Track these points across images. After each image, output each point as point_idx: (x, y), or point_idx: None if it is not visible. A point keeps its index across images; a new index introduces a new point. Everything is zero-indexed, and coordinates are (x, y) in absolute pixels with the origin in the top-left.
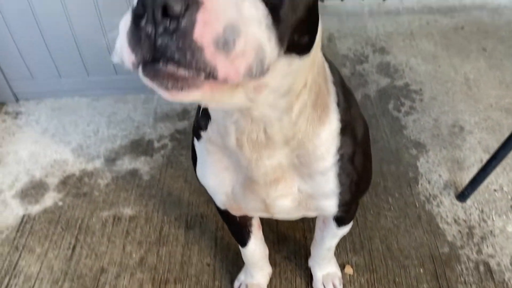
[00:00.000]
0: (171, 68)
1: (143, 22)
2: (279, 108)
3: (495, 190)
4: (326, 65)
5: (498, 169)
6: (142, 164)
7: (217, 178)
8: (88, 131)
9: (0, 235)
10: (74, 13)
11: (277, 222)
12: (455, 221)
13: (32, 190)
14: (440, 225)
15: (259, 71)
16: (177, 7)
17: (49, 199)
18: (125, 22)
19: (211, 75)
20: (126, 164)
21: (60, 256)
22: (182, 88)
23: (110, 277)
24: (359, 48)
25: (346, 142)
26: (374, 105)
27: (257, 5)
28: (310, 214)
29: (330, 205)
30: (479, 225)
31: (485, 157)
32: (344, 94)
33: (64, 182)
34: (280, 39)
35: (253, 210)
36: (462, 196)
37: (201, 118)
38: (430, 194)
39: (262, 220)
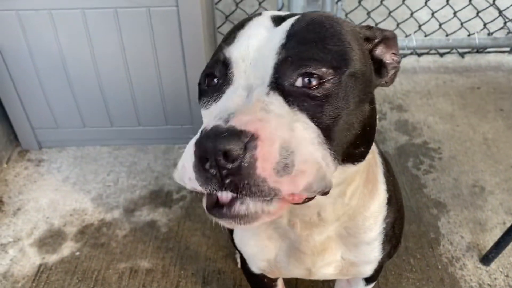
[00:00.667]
0: (238, 208)
1: (207, 165)
2: (333, 195)
3: None
4: None
5: None
6: (160, 216)
7: (258, 246)
8: (108, 181)
9: (16, 284)
10: (101, 64)
11: (296, 282)
12: (480, 285)
13: (50, 239)
14: None
15: (322, 186)
16: (236, 152)
17: (67, 248)
18: (190, 153)
19: (275, 196)
20: (144, 215)
21: None
22: (250, 222)
23: None
24: (377, 105)
25: (391, 211)
26: (393, 163)
27: (308, 126)
28: (346, 277)
29: (369, 269)
30: None
31: (508, 219)
32: (385, 162)
33: (82, 232)
34: (336, 155)
35: (295, 275)
36: (486, 259)
37: None
38: (452, 256)
39: (284, 280)
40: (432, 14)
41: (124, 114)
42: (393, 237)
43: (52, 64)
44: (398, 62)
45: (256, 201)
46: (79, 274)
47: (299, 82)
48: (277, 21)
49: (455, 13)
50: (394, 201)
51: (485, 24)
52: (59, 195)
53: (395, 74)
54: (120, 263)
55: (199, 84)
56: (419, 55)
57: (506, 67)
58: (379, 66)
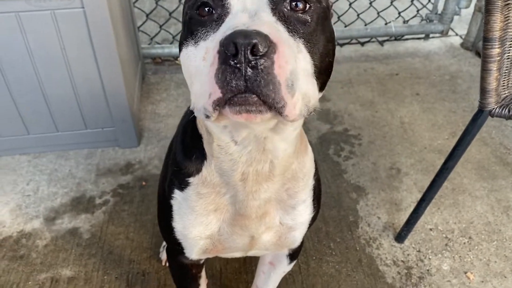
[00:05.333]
0: (255, 98)
1: (235, 61)
2: (289, 139)
3: (430, 229)
4: None
5: (433, 209)
6: (82, 222)
7: (202, 224)
8: (27, 190)
9: None
10: (9, 69)
11: (221, 275)
12: (394, 262)
13: None
14: (380, 267)
15: (306, 112)
16: (262, 47)
17: None
18: (209, 70)
19: (278, 111)
20: (66, 222)
21: None
22: (260, 112)
23: None
24: None
25: (315, 169)
26: (315, 151)
27: (306, 58)
28: (279, 250)
29: (300, 234)
30: (417, 265)
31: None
32: None
33: (0, 245)
34: (321, 84)
35: (235, 248)
36: (400, 237)
37: (190, 165)
38: (370, 237)
39: (207, 274)
40: (350, 4)
41: (40, 120)
42: (319, 194)
43: None
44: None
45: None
46: None
47: (288, 6)
48: None
49: (371, 2)
50: (315, 160)
51: (399, 13)
52: None
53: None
54: (40, 274)
55: (190, 18)
56: (341, 45)
57: (422, 53)
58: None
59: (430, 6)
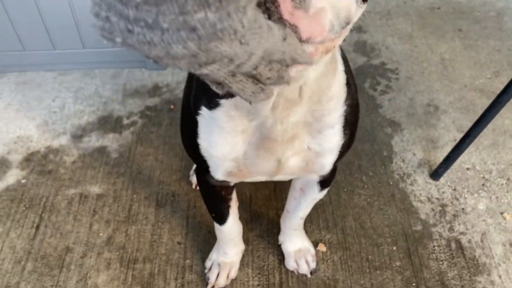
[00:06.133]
0: None
1: None
2: (320, 65)
3: (467, 169)
4: None
5: (471, 148)
6: (110, 142)
7: (228, 144)
8: (53, 107)
9: None
10: None
11: (250, 201)
12: (429, 199)
13: None
14: (414, 203)
15: (338, 26)
16: None
17: (12, 176)
18: None
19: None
20: (93, 141)
21: (23, 235)
22: None
23: (75, 256)
24: None
25: (350, 93)
26: None
27: None
28: (307, 175)
29: (330, 160)
30: (452, 203)
31: (459, 136)
32: (340, 48)
33: (28, 159)
34: None
35: (261, 172)
36: (436, 174)
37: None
38: (404, 173)
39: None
40: None
41: (67, 35)
42: (352, 122)
43: None
44: None
45: None
46: (26, 202)
47: None
48: None
49: None
50: (352, 85)
51: None
52: (1, 123)
53: None
54: (69, 189)
55: None
56: None
57: None
58: None
59: None
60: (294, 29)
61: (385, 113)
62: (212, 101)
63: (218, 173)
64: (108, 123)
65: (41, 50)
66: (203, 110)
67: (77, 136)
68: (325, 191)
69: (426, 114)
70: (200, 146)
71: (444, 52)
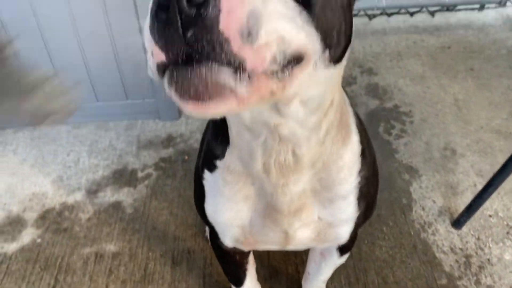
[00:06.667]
0: (202, 69)
1: (165, 15)
2: (308, 125)
3: (490, 216)
4: None
5: (492, 194)
6: (125, 196)
7: (232, 210)
8: (68, 161)
9: None
10: (50, 34)
11: (268, 256)
12: (452, 249)
13: (9, 227)
14: (437, 254)
15: (282, 59)
16: None
17: (27, 236)
18: (147, 24)
19: (240, 68)
20: (108, 196)
21: None
22: (211, 97)
23: None
24: (346, 69)
25: (365, 165)
26: None
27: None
28: (322, 245)
29: (346, 231)
30: (476, 253)
31: (479, 181)
32: (358, 117)
33: (43, 217)
34: (320, 36)
35: (270, 242)
36: (458, 223)
37: (216, 147)
38: (425, 222)
39: (254, 255)
40: None
41: (80, 89)
42: (368, 194)
43: None
44: None
45: (223, 71)
46: (42, 262)
47: None
48: None
49: None
50: (368, 156)
51: None
52: (17, 179)
53: None
54: (84, 248)
55: None
56: (389, 15)
57: (476, 25)
58: None
59: None
60: (242, 61)
61: (402, 158)
62: (211, 163)
63: (227, 239)
64: (123, 176)
65: None
66: (206, 174)
67: (92, 191)
68: (346, 256)
69: (443, 159)
70: (206, 211)
71: (458, 93)
